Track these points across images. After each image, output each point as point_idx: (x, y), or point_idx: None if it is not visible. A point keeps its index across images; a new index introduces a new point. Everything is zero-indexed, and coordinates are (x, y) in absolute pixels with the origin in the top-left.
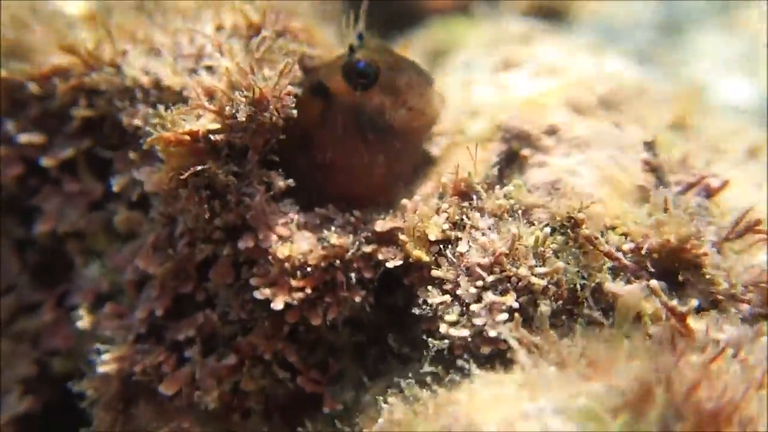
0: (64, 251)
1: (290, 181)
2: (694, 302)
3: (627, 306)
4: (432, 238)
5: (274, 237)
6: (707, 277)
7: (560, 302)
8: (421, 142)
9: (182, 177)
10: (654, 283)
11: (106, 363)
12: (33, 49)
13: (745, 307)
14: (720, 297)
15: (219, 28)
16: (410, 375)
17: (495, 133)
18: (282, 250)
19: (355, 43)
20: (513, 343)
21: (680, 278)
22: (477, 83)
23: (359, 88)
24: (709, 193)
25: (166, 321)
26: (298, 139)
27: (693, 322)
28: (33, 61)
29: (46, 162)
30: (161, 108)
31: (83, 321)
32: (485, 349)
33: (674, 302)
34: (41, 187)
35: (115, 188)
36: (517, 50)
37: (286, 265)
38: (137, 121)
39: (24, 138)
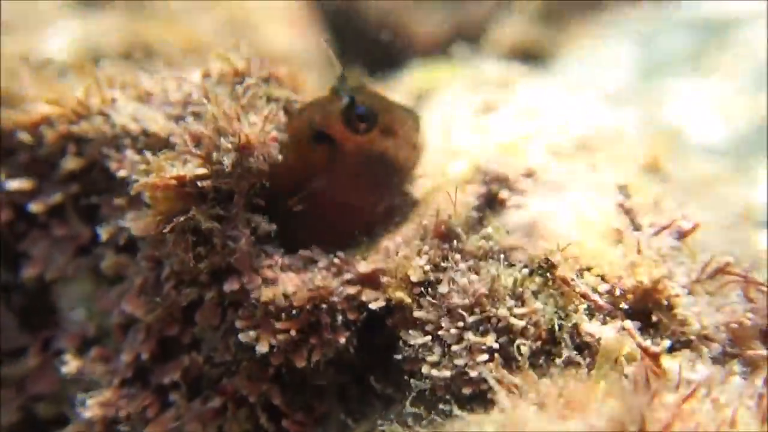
0: (50, 295)
1: (274, 226)
2: (666, 343)
3: (609, 351)
4: (414, 279)
5: (259, 279)
6: (679, 317)
7: (539, 342)
8: (413, 171)
9: (168, 228)
10: (628, 323)
11: (91, 408)
12: (23, 97)
13: (716, 346)
14: (692, 337)
15: (206, 75)
16: (393, 416)
17: (475, 176)
18: (267, 293)
19: (336, 86)
20: (493, 383)
21: (653, 318)
22: (457, 126)
23: (361, 132)
24: (681, 234)
25: (152, 364)
26: (295, 184)
27: (666, 362)
28: (23, 109)
29: (34, 207)
30: (148, 154)
31: (69, 365)
32: (466, 390)
33: (648, 342)
34: (29, 232)
35: (103, 237)
36: (497, 93)
37: (271, 307)
38: (125, 168)
39: (13, 184)
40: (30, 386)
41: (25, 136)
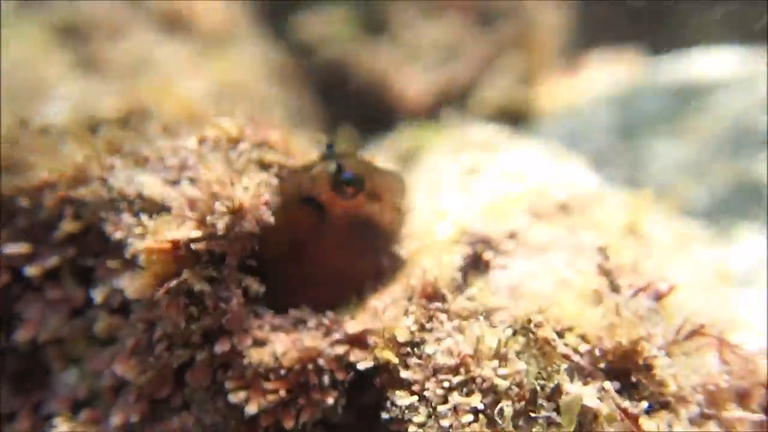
0: (42, 357)
1: (263, 287)
2: (644, 404)
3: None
4: (401, 340)
5: (249, 340)
6: (657, 378)
7: (522, 403)
8: (398, 234)
9: (162, 292)
10: (608, 384)
11: None
12: (23, 163)
13: (693, 408)
14: (669, 398)
15: (201, 141)
16: None
17: (460, 236)
18: (255, 354)
19: (325, 152)
20: None
21: (633, 379)
22: (444, 187)
23: (348, 197)
24: (658, 296)
25: (142, 427)
26: (285, 246)
27: (645, 423)
28: (23, 174)
29: (31, 271)
30: (144, 217)
31: (60, 429)
32: None
33: (627, 404)
34: (23, 294)
35: (98, 299)
36: (482, 155)
37: (260, 368)
38: (120, 231)
39: (11, 249)
40: None
41: (25, 201)
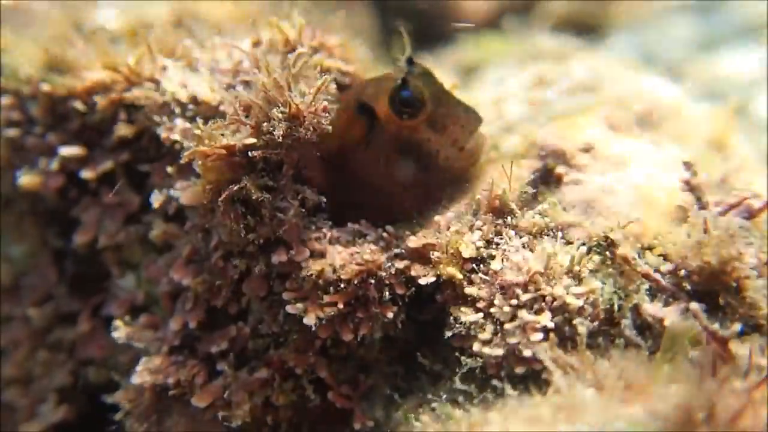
0: (100, 262)
1: (323, 197)
2: (737, 327)
3: (674, 336)
4: (465, 255)
5: (307, 251)
6: (748, 300)
7: (596, 323)
8: (460, 178)
9: (222, 197)
10: (694, 305)
11: (140, 374)
12: (76, 64)
13: None
14: (762, 321)
15: (256, 43)
16: (442, 393)
17: (529, 150)
18: (315, 265)
19: (401, 66)
20: (549, 363)
21: (720, 301)
22: (510, 100)
23: (404, 117)
24: (751, 214)
25: (199, 333)
26: (334, 148)
27: (735, 347)
28: (75, 75)
29: (86, 174)
30: (199, 122)
31: (119, 331)
32: (519, 369)
33: (715, 326)
34: (80, 198)
35: (155, 205)
36: (550, 66)
37: (319, 280)
38: (175, 135)
39: (65, 151)
40: (81, 350)
41: (77, 104)
